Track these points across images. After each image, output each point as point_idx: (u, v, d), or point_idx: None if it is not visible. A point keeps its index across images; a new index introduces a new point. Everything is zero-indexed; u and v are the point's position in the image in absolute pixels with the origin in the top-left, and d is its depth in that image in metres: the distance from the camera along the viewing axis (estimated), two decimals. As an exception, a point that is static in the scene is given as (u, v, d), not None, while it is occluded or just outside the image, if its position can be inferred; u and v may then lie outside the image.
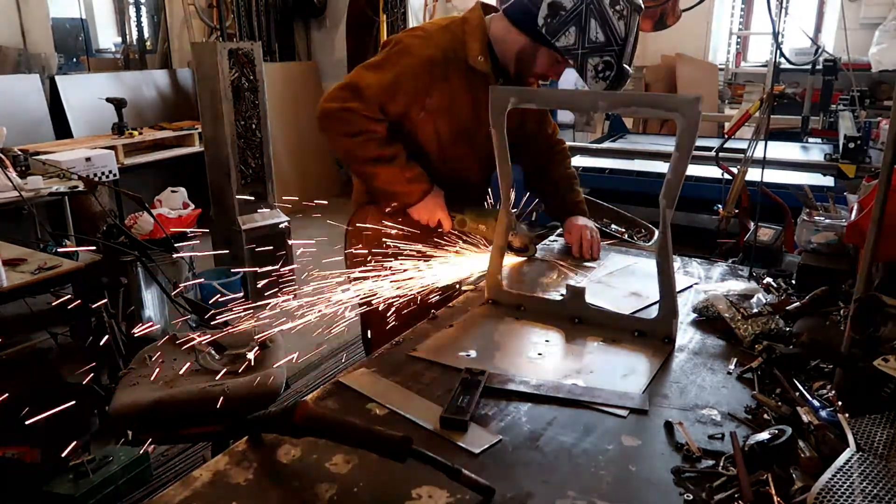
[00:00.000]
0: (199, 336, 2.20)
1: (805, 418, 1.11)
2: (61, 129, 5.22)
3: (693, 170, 3.90)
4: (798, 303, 1.62)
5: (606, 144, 5.30)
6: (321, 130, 1.84)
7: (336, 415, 1.14)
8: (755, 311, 1.55)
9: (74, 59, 6.11)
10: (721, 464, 1.07)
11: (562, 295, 1.66)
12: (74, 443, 2.55)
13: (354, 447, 1.06)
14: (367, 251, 1.90)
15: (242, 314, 1.77)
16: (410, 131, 1.91)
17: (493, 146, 1.60)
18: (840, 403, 1.16)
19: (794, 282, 1.82)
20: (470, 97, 1.86)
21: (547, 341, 1.53)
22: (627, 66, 1.75)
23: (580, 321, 1.61)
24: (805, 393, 1.24)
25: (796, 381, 1.29)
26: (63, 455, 2.50)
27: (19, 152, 4.20)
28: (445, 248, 1.92)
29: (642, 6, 1.70)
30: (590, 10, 1.66)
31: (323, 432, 1.05)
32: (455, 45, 1.81)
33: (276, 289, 1.81)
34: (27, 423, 2.66)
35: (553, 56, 1.79)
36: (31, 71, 5.16)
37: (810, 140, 5.04)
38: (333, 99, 1.80)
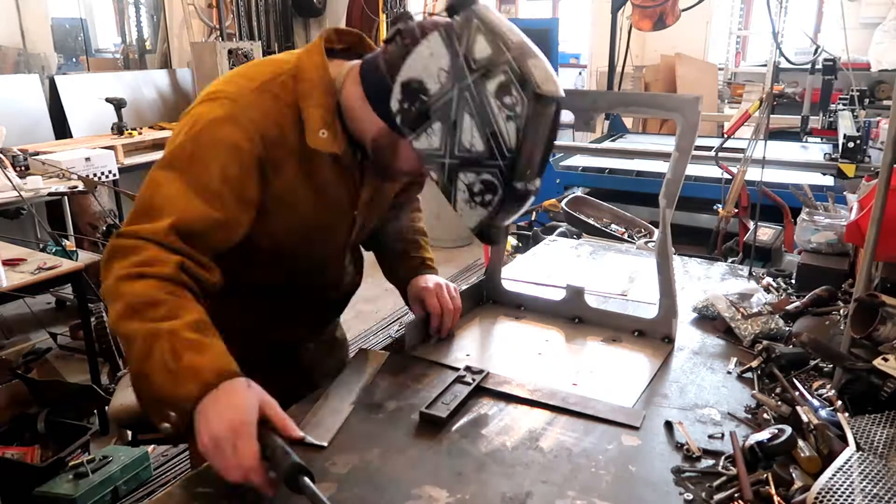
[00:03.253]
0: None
1: (805, 418, 1.11)
2: (61, 129, 5.22)
3: (693, 169, 3.91)
4: (798, 303, 1.62)
5: (606, 144, 5.31)
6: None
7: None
8: (755, 310, 1.55)
9: (74, 59, 6.12)
10: (721, 463, 1.07)
11: (562, 294, 1.66)
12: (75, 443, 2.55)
13: None
14: None
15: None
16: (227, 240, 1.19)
17: (358, 242, 1.42)
18: (840, 403, 1.16)
19: (793, 282, 1.82)
20: (313, 187, 1.24)
21: (547, 341, 1.53)
22: (531, 184, 1.13)
23: (580, 321, 1.61)
24: (805, 393, 1.24)
25: (796, 381, 1.30)
26: (63, 455, 2.51)
27: (19, 152, 4.20)
28: None
29: (556, 95, 1.09)
30: (463, 101, 1.07)
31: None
32: (280, 118, 1.18)
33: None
34: (27, 423, 2.67)
35: (417, 153, 1.16)
36: (31, 71, 5.16)
37: (810, 140, 5.04)
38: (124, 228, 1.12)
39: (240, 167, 1.13)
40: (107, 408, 2.53)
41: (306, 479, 0.91)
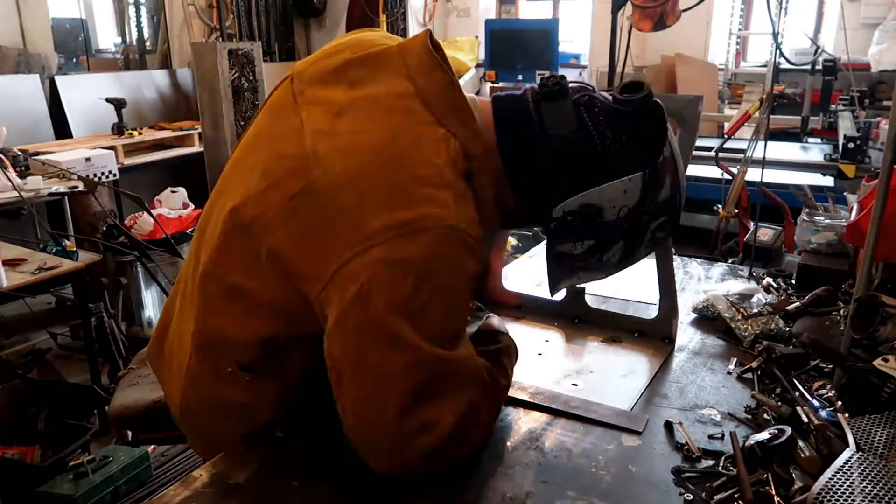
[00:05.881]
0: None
1: (805, 418, 1.11)
2: (61, 129, 5.22)
3: (693, 170, 3.91)
4: (798, 303, 1.62)
5: (606, 144, 5.29)
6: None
7: None
8: (755, 311, 1.55)
9: (74, 60, 6.12)
10: (721, 464, 1.07)
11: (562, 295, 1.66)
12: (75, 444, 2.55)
13: None
14: None
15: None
16: None
17: None
18: (840, 403, 1.16)
19: (794, 282, 1.82)
20: None
21: (547, 341, 1.53)
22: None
23: (580, 321, 1.61)
24: (805, 393, 1.24)
25: (796, 381, 1.30)
26: (63, 455, 2.50)
27: (19, 152, 4.20)
28: None
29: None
30: (627, 231, 1.05)
31: None
32: (473, 204, 0.96)
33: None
34: (27, 423, 2.67)
35: None
36: (31, 71, 5.16)
37: (810, 140, 5.05)
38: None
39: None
40: (107, 408, 2.53)
41: None
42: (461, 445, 0.96)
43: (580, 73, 7.40)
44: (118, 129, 5.20)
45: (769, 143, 3.08)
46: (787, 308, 1.60)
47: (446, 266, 0.88)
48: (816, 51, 4.81)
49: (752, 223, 2.29)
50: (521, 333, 1.58)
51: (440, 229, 0.87)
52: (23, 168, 4.08)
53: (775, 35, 3.05)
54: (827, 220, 1.88)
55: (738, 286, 1.69)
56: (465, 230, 0.89)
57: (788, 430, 1.06)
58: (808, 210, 1.97)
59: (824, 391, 1.25)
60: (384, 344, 0.87)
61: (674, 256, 1.58)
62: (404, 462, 0.93)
